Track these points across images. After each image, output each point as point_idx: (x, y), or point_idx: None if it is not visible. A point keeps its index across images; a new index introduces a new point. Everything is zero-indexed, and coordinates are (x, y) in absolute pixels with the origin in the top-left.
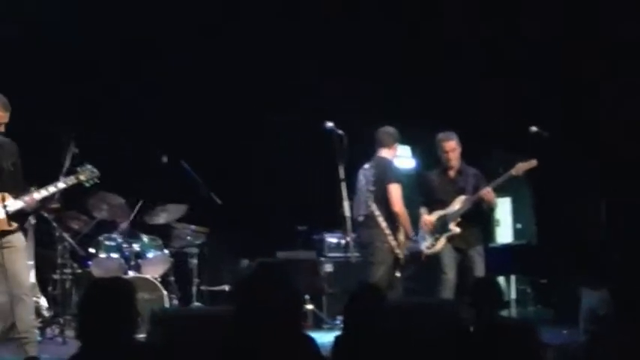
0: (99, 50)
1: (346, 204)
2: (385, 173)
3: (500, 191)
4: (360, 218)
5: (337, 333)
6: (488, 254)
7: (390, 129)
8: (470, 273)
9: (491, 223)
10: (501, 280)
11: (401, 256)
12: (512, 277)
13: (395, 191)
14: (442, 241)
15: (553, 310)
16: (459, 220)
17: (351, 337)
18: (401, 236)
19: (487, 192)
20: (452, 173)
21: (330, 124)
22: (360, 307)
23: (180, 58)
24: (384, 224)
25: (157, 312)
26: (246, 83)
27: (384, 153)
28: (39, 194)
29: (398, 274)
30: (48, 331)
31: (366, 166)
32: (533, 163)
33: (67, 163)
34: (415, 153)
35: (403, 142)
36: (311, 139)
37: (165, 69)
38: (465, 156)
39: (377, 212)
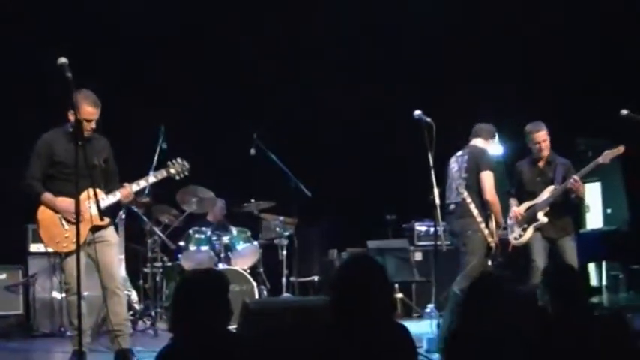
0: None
1: (436, 192)
2: (479, 161)
3: (590, 176)
4: (452, 207)
5: (427, 321)
6: (578, 241)
7: (488, 126)
8: (561, 260)
9: (582, 210)
10: (592, 266)
11: (493, 244)
12: (603, 264)
13: (488, 179)
14: (530, 232)
15: None
16: (547, 209)
17: (469, 330)
18: (493, 224)
19: (574, 182)
20: (541, 164)
21: (418, 112)
22: (480, 297)
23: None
24: (476, 212)
25: (247, 304)
26: (334, 69)
27: (479, 143)
28: (135, 186)
29: (489, 262)
30: (139, 323)
31: (459, 153)
32: (621, 149)
33: (156, 158)
34: (502, 139)
35: None
36: (399, 127)
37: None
38: (552, 144)
39: (469, 200)
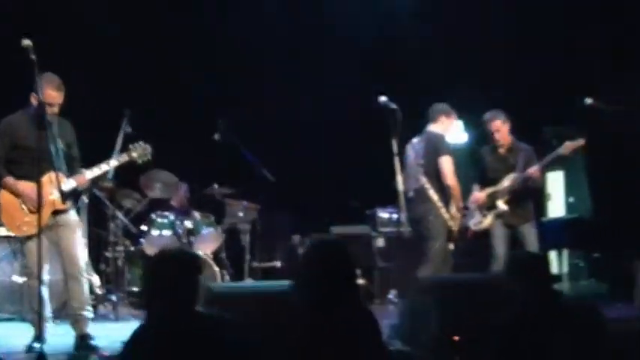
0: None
1: (399, 178)
2: (436, 146)
3: (553, 165)
4: (411, 193)
5: (389, 307)
6: (539, 229)
7: (438, 105)
8: (522, 249)
9: (543, 198)
10: (553, 254)
11: (454, 228)
12: (565, 252)
13: (447, 163)
14: (489, 219)
15: (607, 284)
16: (507, 197)
17: None
18: (453, 209)
19: (534, 170)
20: (502, 150)
21: (383, 98)
22: None
23: (235, 33)
24: (435, 197)
25: (211, 288)
26: (296, 55)
27: (434, 127)
28: (91, 172)
29: (451, 247)
30: (101, 308)
31: (415, 140)
32: (581, 142)
33: (120, 142)
34: (468, 127)
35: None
36: (364, 113)
37: (212, 46)
38: (517, 131)
39: (427, 185)
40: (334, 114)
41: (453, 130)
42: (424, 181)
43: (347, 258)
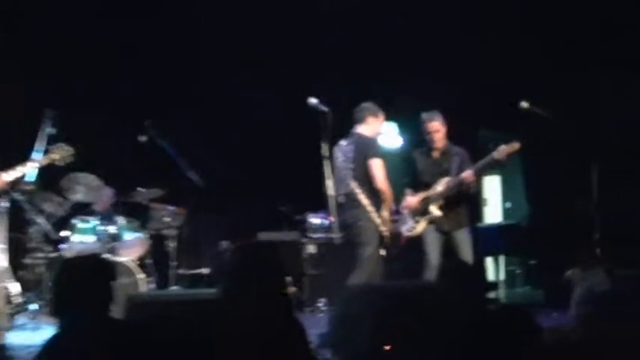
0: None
1: (329, 183)
2: (365, 149)
3: (490, 170)
4: (341, 198)
5: (320, 316)
6: (475, 235)
7: (365, 104)
8: (455, 255)
9: (479, 203)
10: (489, 261)
11: (386, 233)
12: (501, 258)
13: (376, 167)
14: (422, 224)
15: (543, 291)
16: (441, 202)
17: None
18: (385, 213)
19: (468, 175)
20: (436, 154)
21: (313, 100)
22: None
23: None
24: (366, 202)
25: (133, 297)
26: (225, 57)
27: (361, 129)
28: (7, 175)
29: (383, 253)
30: (19, 317)
31: (343, 142)
32: (516, 146)
33: (42, 143)
34: (403, 130)
35: (389, 118)
36: (295, 115)
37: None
38: (452, 134)
39: (357, 190)
40: (264, 116)
41: (380, 131)
42: (354, 185)
43: (276, 263)
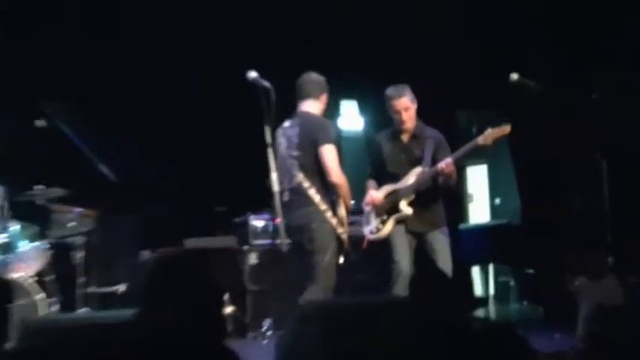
0: None
1: (274, 176)
2: (314, 132)
3: (473, 158)
4: (286, 195)
5: (264, 343)
6: (457, 238)
7: (314, 76)
8: (430, 263)
9: (462, 199)
10: (476, 270)
11: (345, 237)
12: (490, 267)
13: (329, 154)
14: (390, 225)
15: (542, 307)
16: (412, 197)
17: None
18: (342, 211)
19: (446, 164)
20: (405, 138)
21: (253, 74)
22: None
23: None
24: (317, 198)
25: (29, 322)
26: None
27: (309, 106)
28: None
29: (341, 261)
30: None
31: (287, 124)
32: (506, 129)
33: None
34: (364, 110)
35: (349, 96)
36: (231, 95)
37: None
38: (425, 114)
39: (306, 184)
40: (194, 96)
41: (343, 111)
42: (301, 178)
43: (208, 278)
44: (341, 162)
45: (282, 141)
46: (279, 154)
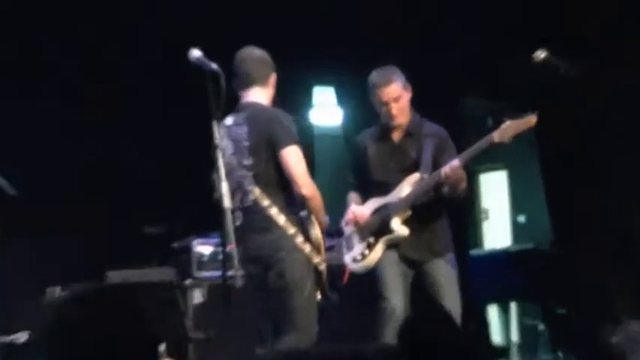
0: None
1: (225, 187)
2: (269, 131)
3: (487, 161)
4: (238, 217)
5: None
6: (468, 268)
7: (257, 53)
8: (431, 301)
9: (475, 216)
10: (494, 311)
11: (323, 267)
12: (513, 307)
13: (294, 159)
14: (378, 250)
15: (579, 358)
16: (407, 214)
17: None
18: (316, 232)
19: (451, 169)
20: (397, 136)
21: (197, 53)
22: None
23: None
24: (282, 220)
25: None
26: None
27: (257, 95)
28: None
29: (318, 297)
30: None
31: (229, 121)
32: (531, 121)
33: None
34: (344, 99)
35: (324, 81)
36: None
37: None
38: (422, 104)
39: (265, 202)
40: (119, 85)
41: (317, 101)
42: (257, 194)
43: (137, 322)
44: (311, 167)
45: (227, 144)
46: (225, 160)
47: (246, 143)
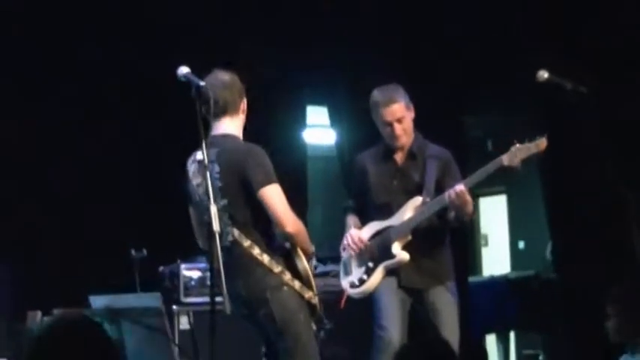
0: None
1: (214, 210)
2: (244, 170)
3: (489, 185)
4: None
5: None
6: (466, 295)
7: (227, 77)
8: (431, 332)
9: (474, 241)
10: (491, 341)
11: (315, 300)
12: (512, 336)
13: (275, 199)
14: (378, 276)
15: None
16: (408, 238)
17: None
18: (302, 264)
19: (458, 192)
20: (399, 158)
21: (184, 70)
22: None
23: None
24: (266, 258)
25: None
26: None
27: (228, 126)
28: None
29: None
30: None
31: (199, 156)
32: (542, 145)
33: None
34: (337, 120)
35: (317, 101)
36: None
37: None
38: (423, 125)
39: (246, 243)
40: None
41: (311, 120)
42: (236, 235)
43: (119, 351)
44: (304, 188)
45: (197, 182)
46: (194, 203)
47: (218, 183)
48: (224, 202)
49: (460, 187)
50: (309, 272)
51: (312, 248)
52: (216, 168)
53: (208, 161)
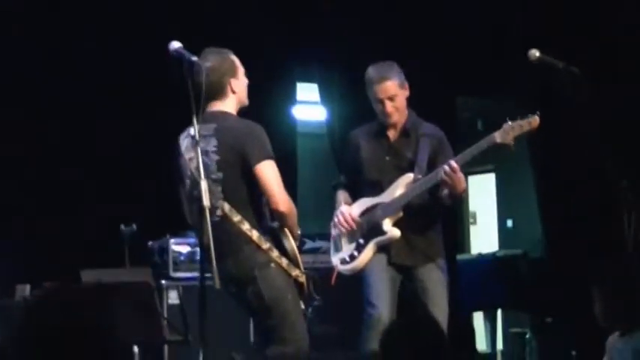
0: None
1: (204, 185)
2: (241, 145)
3: (479, 162)
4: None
5: None
6: (455, 273)
7: (222, 56)
8: (419, 307)
9: (461, 220)
10: (479, 318)
11: (303, 279)
12: (499, 314)
13: (270, 175)
14: (368, 252)
15: None
16: (399, 215)
17: None
18: (290, 243)
19: (451, 170)
20: (392, 135)
21: (176, 45)
22: None
23: None
24: (255, 234)
25: None
26: None
27: (224, 104)
28: None
29: (302, 308)
30: None
31: (192, 131)
32: (534, 123)
33: None
34: (327, 97)
35: (307, 77)
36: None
37: None
38: (419, 103)
39: (236, 217)
40: (91, 72)
41: (301, 96)
42: (227, 209)
43: (108, 325)
44: (294, 165)
45: (190, 156)
46: (185, 177)
47: (215, 157)
48: (219, 175)
49: (453, 164)
50: (296, 251)
51: (298, 231)
52: (214, 142)
53: (205, 136)
